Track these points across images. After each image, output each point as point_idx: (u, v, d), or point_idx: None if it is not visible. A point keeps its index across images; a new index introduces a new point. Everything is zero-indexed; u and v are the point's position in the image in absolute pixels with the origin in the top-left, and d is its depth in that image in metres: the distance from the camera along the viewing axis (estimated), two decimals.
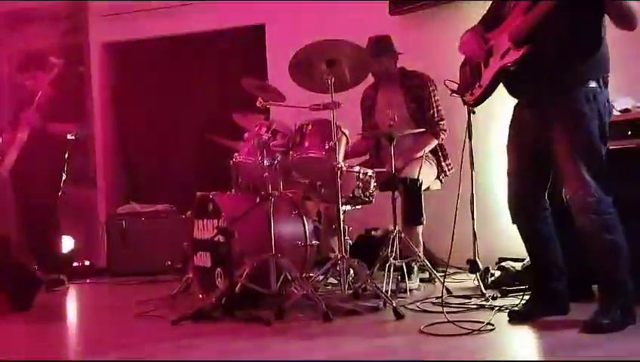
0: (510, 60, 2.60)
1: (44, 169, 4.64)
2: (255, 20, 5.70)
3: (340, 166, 3.31)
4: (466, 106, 3.04)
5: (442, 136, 4.10)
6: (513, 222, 2.86)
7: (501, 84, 2.76)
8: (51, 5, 6.11)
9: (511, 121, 2.84)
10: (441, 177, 4.15)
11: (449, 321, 2.73)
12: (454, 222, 2.98)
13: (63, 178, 4.74)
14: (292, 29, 5.27)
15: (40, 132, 4.53)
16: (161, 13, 5.82)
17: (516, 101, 2.82)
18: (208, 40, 5.88)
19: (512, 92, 2.78)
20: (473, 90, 2.86)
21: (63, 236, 5.02)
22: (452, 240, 3.01)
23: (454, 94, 3.08)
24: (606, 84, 2.61)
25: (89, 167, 6.14)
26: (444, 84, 3.17)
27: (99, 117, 6.18)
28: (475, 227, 3.34)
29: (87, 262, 5.50)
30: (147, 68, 6.10)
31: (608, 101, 2.63)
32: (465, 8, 4.37)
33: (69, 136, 4.72)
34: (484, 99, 2.84)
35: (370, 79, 4.00)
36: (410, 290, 3.58)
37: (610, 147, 2.68)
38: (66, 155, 4.77)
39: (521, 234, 2.86)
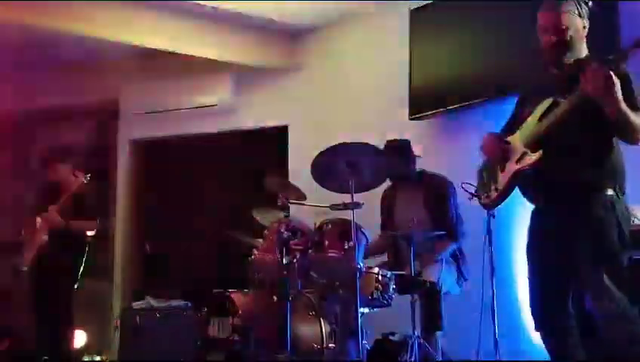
0: (525, 164, 2.65)
1: (62, 265, 4.67)
2: (279, 121, 5.89)
3: (359, 267, 3.29)
4: (485, 211, 3.05)
5: (461, 240, 4.08)
6: (536, 330, 2.79)
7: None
8: (84, 103, 6.38)
9: (529, 227, 2.84)
10: (460, 281, 4.09)
11: None
12: (479, 334, 2.90)
13: (80, 272, 4.75)
14: (314, 131, 5.43)
15: (61, 230, 4.60)
16: (188, 113, 6.04)
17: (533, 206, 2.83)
18: (232, 139, 6.06)
19: (528, 197, 2.81)
20: (490, 192, 2.89)
21: (76, 330, 4.96)
22: (478, 352, 2.91)
23: (473, 197, 3.11)
24: (623, 192, 2.62)
25: (107, 260, 6.16)
26: (462, 187, 3.21)
27: (120, 211, 6.29)
28: (497, 335, 3.25)
29: (97, 358, 5.40)
30: (171, 165, 6.26)
31: (627, 209, 2.62)
32: (482, 114, 4.48)
33: (88, 233, 4.77)
34: (500, 202, 2.86)
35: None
36: None
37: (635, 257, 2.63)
38: (85, 250, 4.80)
39: (544, 343, 2.78)
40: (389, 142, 4.19)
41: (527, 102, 2.79)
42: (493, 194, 2.85)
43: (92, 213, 4.78)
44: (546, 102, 2.61)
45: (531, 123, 2.68)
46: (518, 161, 2.69)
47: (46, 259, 4.58)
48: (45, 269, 4.60)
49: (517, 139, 2.74)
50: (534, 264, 2.79)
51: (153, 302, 5.38)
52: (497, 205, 2.89)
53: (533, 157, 2.61)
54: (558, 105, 2.56)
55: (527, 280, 2.82)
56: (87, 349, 5.36)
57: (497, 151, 2.80)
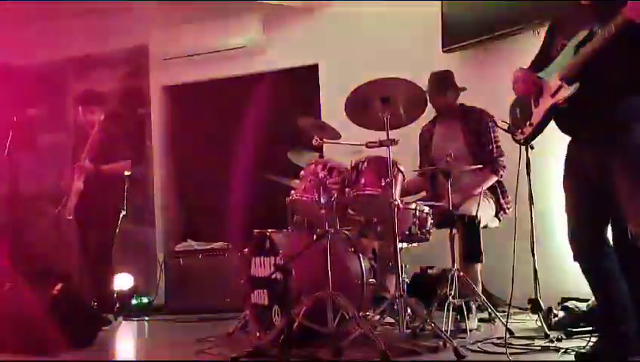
0: (561, 98, 2.59)
1: (103, 208, 4.79)
2: (309, 60, 5.81)
3: (396, 203, 3.30)
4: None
5: (501, 172, 4.04)
6: (575, 260, 2.79)
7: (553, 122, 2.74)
8: (114, 50, 6.39)
9: (566, 159, 2.80)
10: (500, 215, 4.07)
11: None
12: (513, 261, 2.92)
13: (121, 216, 4.87)
14: (344, 68, 5.36)
15: (96, 174, 4.69)
16: (217, 56, 6.00)
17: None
18: (263, 80, 6.02)
19: (565, 130, 2.75)
20: (524, 128, 2.85)
21: (123, 273, 5.13)
22: (512, 279, 2.94)
23: (505, 132, 3.07)
24: None
25: (147, 204, 6.30)
26: (496, 123, 3.15)
27: (157, 156, 6.37)
28: (537, 265, 3.25)
29: (145, 299, 5.61)
30: (204, 109, 6.27)
31: None
32: (517, 44, 4.35)
33: (125, 173, 4.86)
34: (535, 138, 2.84)
35: (427, 115, 4.00)
36: (470, 330, 3.49)
37: None
38: (125, 192, 4.91)
39: (583, 272, 2.78)
40: (433, 74, 4.14)
41: (559, 33, 2.70)
42: (528, 130, 2.81)
43: (126, 156, 4.86)
44: (582, 33, 2.53)
45: (567, 55, 2.60)
46: (554, 94, 2.64)
47: (84, 206, 4.70)
48: (84, 215, 4.74)
49: (551, 72, 2.67)
50: (571, 195, 2.77)
51: (195, 244, 5.52)
52: (531, 141, 2.87)
53: (570, 90, 2.55)
54: (594, 35, 2.47)
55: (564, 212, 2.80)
56: (135, 291, 5.56)
57: (530, 87, 2.75)
